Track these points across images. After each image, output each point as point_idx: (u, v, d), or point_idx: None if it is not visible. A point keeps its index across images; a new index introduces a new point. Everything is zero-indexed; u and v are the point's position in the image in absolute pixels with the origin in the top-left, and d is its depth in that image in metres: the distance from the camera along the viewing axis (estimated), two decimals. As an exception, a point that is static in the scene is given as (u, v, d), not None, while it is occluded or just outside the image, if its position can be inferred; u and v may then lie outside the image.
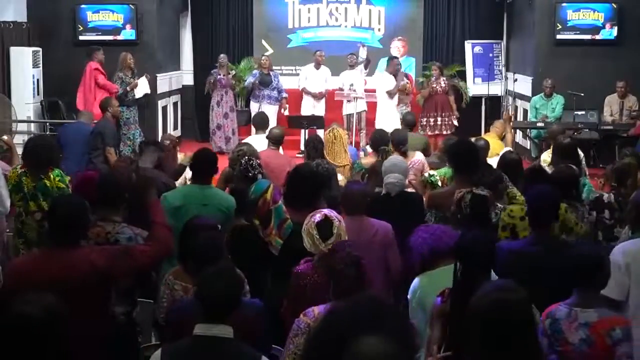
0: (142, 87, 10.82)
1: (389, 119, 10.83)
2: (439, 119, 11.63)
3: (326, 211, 4.09)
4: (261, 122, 8.43)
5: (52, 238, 3.62)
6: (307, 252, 4.03)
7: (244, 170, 5.39)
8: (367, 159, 7.29)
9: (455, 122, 11.82)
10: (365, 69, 12.29)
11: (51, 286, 3.16)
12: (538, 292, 3.50)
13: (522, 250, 4.07)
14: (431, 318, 3.47)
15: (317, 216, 4.01)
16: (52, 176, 5.47)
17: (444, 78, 11.99)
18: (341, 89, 11.82)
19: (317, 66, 12.27)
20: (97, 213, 4.18)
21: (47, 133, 10.99)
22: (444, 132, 11.48)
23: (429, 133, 11.47)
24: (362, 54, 12.20)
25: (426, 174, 6.09)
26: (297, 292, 3.89)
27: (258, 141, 7.64)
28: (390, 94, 11.27)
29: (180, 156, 7.68)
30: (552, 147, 7.05)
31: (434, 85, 11.75)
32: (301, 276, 3.92)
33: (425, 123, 11.60)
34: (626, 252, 4.10)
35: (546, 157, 7.23)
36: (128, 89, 10.53)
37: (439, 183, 5.84)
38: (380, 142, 7.05)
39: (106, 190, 4.31)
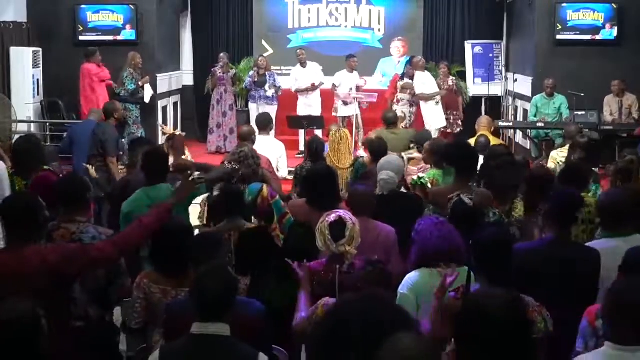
0: (147, 92, 10.82)
1: (435, 117, 11.16)
2: (449, 117, 11.68)
3: (342, 212, 4.09)
4: (264, 122, 8.40)
5: (7, 236, 3.63)
6: (306, 253, 4.03)
7: None
8: (368, 159, 7.30)
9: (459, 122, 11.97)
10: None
11: (4, 284, 3.18)
12: (548, 291, 3.54)
13: (535, 248, 4.07)
14: (442, 314, 3.46)
15: (332, 216, 4.02)
16: None
17: (452, 77, 11.96)
18: (335, 87, 11.84)
19: (303, 65, 12.30)
20: (60, 215, 4.20)
21: (48, 133, 11.03)
22: (454, 130, 11.52)
23: (447, 130, 11.60)
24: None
25: (415, 177, 6.09)
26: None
27: (262, 142, 7.61)
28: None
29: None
30: (570, 146, 7.00)
31: (442, 85, 11.76)
32: (310, 273, 3.94)
33: None
34: None
35: (555, 155, 7.23)
36: (140, 83, 10.54)
37: (429, 185, 5.87)
38: (379, 151, 7.00)
39: (69, 191, 4.31)
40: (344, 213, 4.09)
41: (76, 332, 3.83)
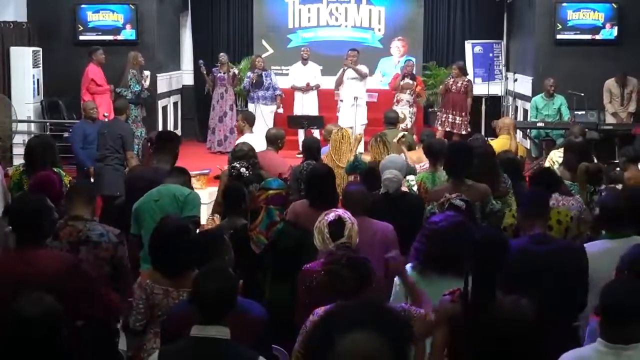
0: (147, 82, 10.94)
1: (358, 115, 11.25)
2: (455, 117, 11.60)
3: (340, 212, 4.09)
4: (250, 120, 8.38)
5: (16, 238, 3.63)
6: (294, 253, 4.05)
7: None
8: (367, 157, 7.30)
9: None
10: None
11: (15, 286, 3.18)
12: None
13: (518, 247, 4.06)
14: (436, 317, 3.43)
15: (331, 215, 4.01)
16: None
17: (465, 78, 11.81)
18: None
19: (304, 62, 12.29)
20: (67, 213, 4.21)
21: (48, 133, 11.02)
22: (461, 132, 11.48)
23: (447, 129, 11.56)
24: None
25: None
26: (305, 290, 3.90)
27: (248, 140, 7.56)
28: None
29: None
30: (565, 147, 6.99)
31: (450, 84, 11.70)
32: (308, 274, 3.92)
33: (442, 119, 11.71)
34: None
35: (553, 155, 7.22)
36: (144, 84, 10.64)
37: (415, 188, 5.88)
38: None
39: (79, 189, 4.35)
40: (343, 212, 4.09)
41: (78, 332, 3.82)
